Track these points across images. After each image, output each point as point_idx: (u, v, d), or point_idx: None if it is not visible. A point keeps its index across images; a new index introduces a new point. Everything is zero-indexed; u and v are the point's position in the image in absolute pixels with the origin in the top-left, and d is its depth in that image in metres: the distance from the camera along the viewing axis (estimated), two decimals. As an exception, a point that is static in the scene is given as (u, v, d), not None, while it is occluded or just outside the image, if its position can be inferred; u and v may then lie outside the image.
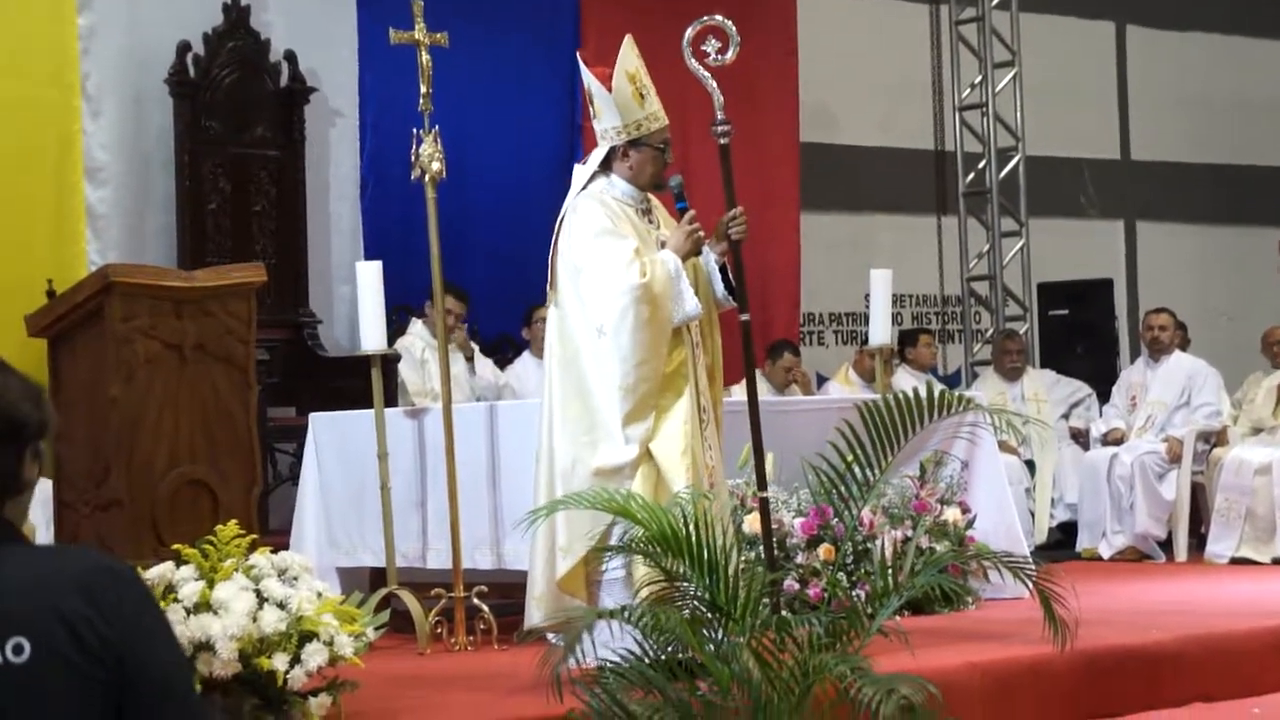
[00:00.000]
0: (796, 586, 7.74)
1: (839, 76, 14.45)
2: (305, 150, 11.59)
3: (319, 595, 5.67)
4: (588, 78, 6.65)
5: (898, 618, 5.53)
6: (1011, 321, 14.80)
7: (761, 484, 6.55)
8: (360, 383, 8.28)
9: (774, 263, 13.72)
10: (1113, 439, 11.89)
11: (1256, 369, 12.37)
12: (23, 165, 10.60)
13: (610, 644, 5.23)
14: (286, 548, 6.83)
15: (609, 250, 6.47)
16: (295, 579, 5.68)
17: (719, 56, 6.50)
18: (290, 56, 11.52)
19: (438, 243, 7.76)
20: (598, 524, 6.15)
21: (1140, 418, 11.87)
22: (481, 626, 7.52)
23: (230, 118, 11.31)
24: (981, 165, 15.04)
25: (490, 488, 7.95)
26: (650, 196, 6.77)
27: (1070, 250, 15.40)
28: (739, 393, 7.22)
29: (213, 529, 5.75)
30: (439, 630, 7.55)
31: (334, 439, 8.73)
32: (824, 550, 7.90)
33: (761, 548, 6.61)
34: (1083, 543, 11.74)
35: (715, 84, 6.53)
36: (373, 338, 7.89)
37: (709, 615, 5.19)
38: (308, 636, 5.53)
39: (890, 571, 5.72)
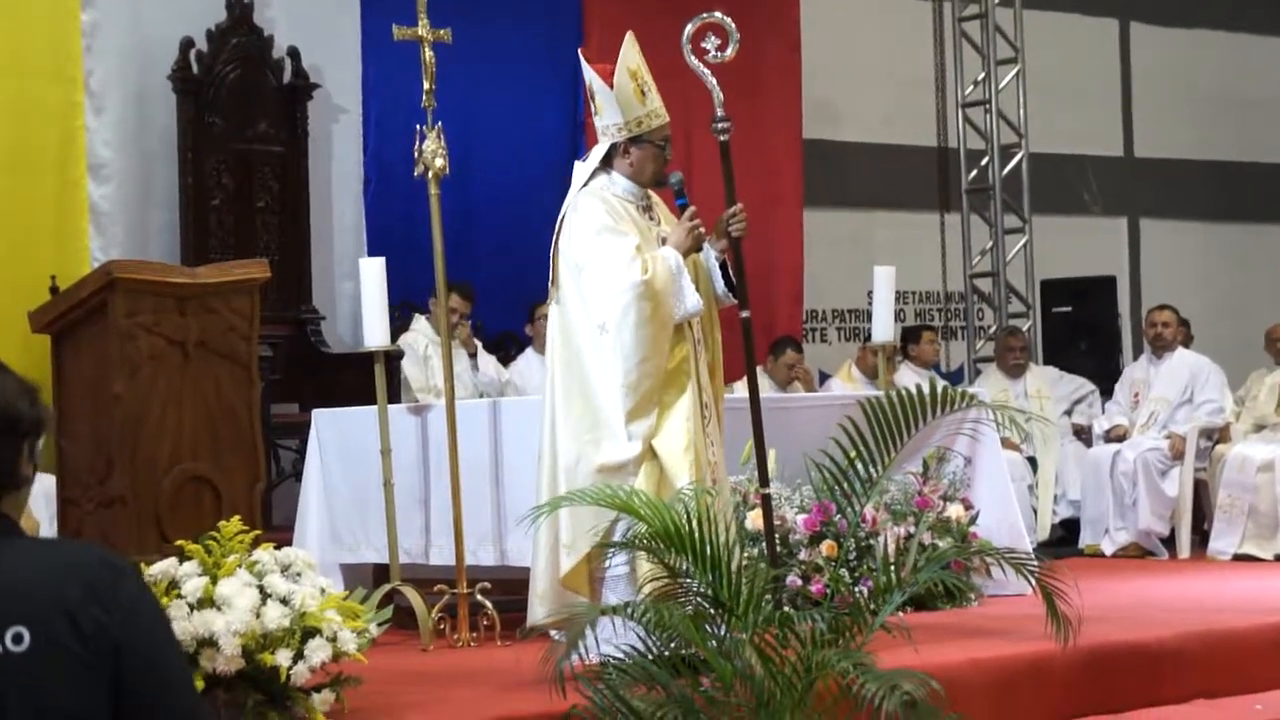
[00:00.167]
0: (799, 583, 7.74)
1: (842, 73, 14.46)
2: (308, 147, 11.60)
3: (322, 591, 5.67)
4: (589, 74, 6.65)
5: (900, 614, 5.53)
6: (1014, 318, 14.79)
7: (764, 480, 6.55)
8: (363, 379, 8.28)
9: (777, 259, 13.72)
10: (1115, 436, 11.89)
11: (1260, 366, 12.37)
12: (26, 162, 10.61)
13: (613, 640, 5.23)
14: (290, 544, 6.83)
15: (610, 248, 6.47)
16: (298, 575, 5.68)
17: (719, 54, 6.50)
18: (293, 53, 11.53)
19: (441, 239, 7.76)
20: (601, 521, 6.15)
21: (1143, 414, 11.87)
22: (484, 623, 7.52)
23: (233, 114, 11.31)
24: (985, 162, 15.03)
25: (493, 484, 7.95)
26: (651, 193, 6.77)
27: (1073, 247, 15.40)
28: (741, 389, 7.22)
29: (216, 525, 5.76)
30: (442, 626, 7.56)
31: (337, 435, 8.73)
32: (827, 546, 7.90)
33: (764, 544, 6.61)
34: (1085, 539, 11.74)
35: (715, 81, 6.54)
36: (376, 334, 7.89)
37: (712, 611, 5.20)
38: (311, 632, 5.53)
39: (893, 568, 5.73)
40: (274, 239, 11.36)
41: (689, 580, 5.24)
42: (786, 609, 5.50)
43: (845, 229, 14.59)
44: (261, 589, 5.55)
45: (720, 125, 6.53)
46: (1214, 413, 11.64)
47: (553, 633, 6.32)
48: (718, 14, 6.56)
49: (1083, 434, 12.63)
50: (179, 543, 5.72)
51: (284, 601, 5.54)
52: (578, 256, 6.53)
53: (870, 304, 9.43)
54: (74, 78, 10.85)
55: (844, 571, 7.84)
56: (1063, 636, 5.30)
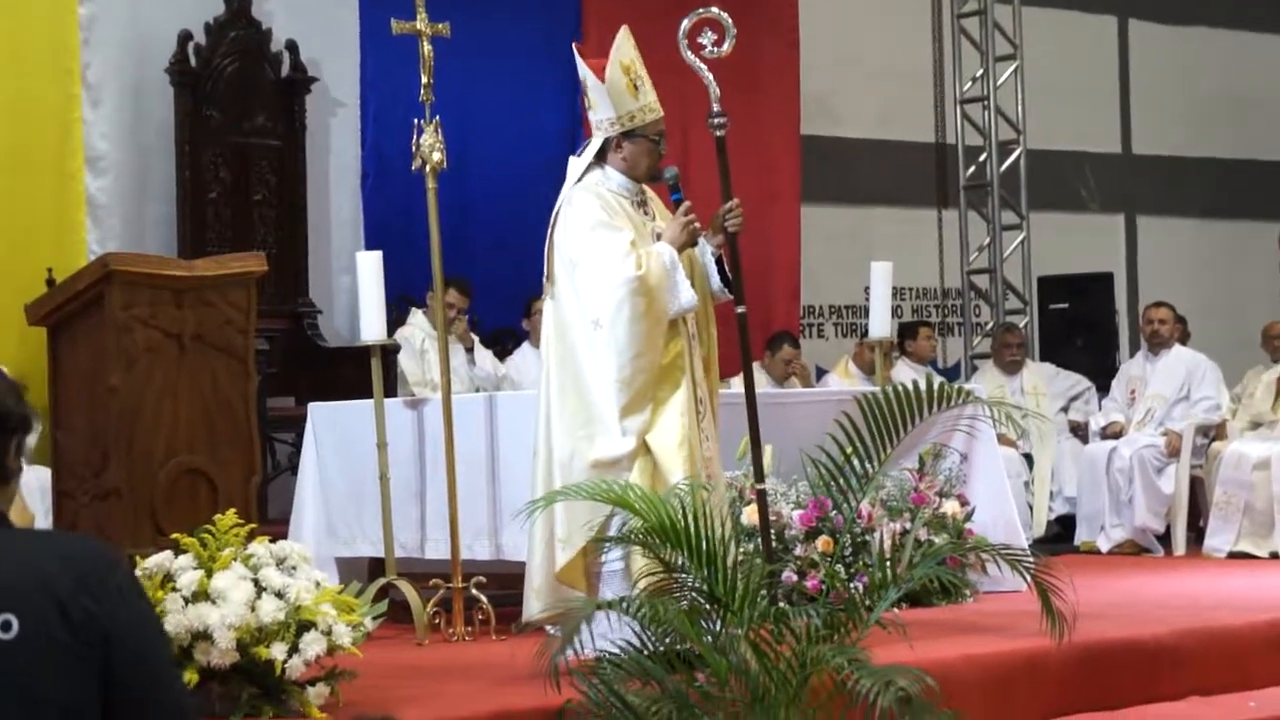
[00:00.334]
0: (794, 578, 7.74)
1: (840, 68, 14.45)
2: (306, 140, 11.59)
3: (317, 585, 5.67)
4: (582, 69, 6.65)
5: (896, 610, 5.53)
6: (1011, 315, 14.80)
7: (759, 476, 6.55)
8: (360, 373, 8.28)
9: (774, 255, 13.71)
10: (1112, 432, 11.89)
11: (1256, 363, 12.37)
12: (23, 154, 10.60)
13: (609, 635, 5.24)
14: (285, 537, 6.84)
15: (604, 243, 6.46)
16: (294, 568, 5.69)
17: (715, 49, 6.50)
18: (291, 46, 11.52)
19: (438, 233, 7.76)
20: (596, 515, 6.16)
21: (1139, 411, 11.88)
22: (479, 617, 7.52)
23: (231, 107, 11.30)
24: (982, 158, 15.04)
25: (489, 479, 7.95)
26: (646, 188, 6.76)
27: (1070, 244, 15.40)
28: (738, 385, 7.23)
29: (211, 518, 5.76)
30: (437, 620, 7.55)
31: (333, 429, 8.73)
32: (822, 542, 7.91)
33: (760, 539, 6.61)
34: (1081, 536, 11.74)
35: (712, 76, 6.53)
36: (372, 328, 7.89)
37: (707, 607, 5.20)
38: (306, 626, 5.54)
39: (888, 564, 5.73)
40: (271, 232, 11.36)
41: (684, 575, 5.24)
42: (782, 604, 5.50)
43: (843, 225, 14.58)
44: (257, 582, 5.56)
45: (716, 121, 6.52)
46: (1210, 410, 11.65)
47: (548, 627, 6.32)
48: (714, 9, 6.56)
49: (1079, 431, 12.64)
50: (174, 536, 5.72)
51: (279, 595, 5.54)
52: (572, 252, 6.52)
53: (867, 300, 9.42)
54: (71, 70, 10.84)
55: (839, 567, 7.84)
56: (1058, 633, 5.30)
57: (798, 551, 7.89)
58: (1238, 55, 16.73)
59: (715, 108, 6.53)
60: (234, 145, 11.32)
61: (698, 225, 6.59)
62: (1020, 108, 14.99)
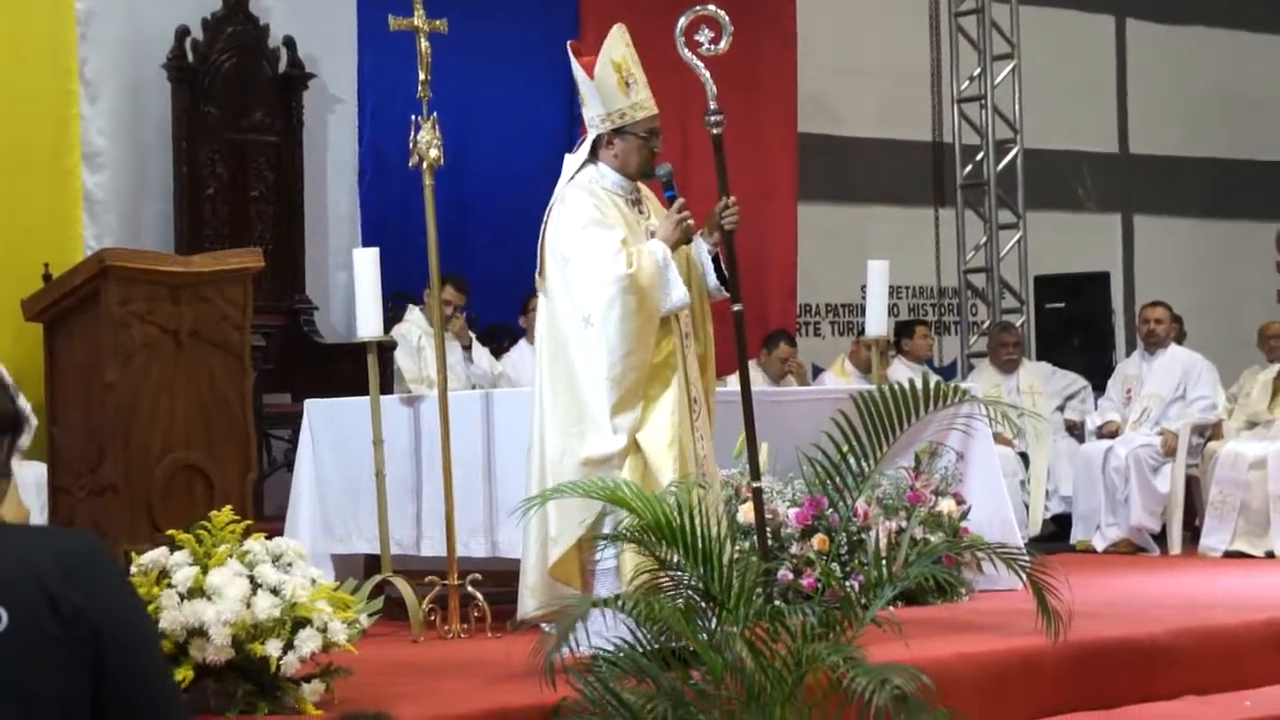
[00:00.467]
0: (790, 576, 7.74)
1: (838, 67, 14.44)
2: (303, 136, 11.58)
3: (313, 582, 5.67)
4: (574, 66, 6.66)
5: (891, 608, 5.54)
6: (1008, 314, 14.80)
7: (755, 474, 6.55)
8: (356, 369, 8.29)
9: (770, 253, 13.71)
10: (1108, 431, 11.90)
11: (1252, 363, 12.38)
12: (20, 150, 10.59)
13: (603, 633, 5.24)
14: (281, 534, 6.85)
15: (596, 241, 6.46)
16: (289, 565, 5.69)
17: (712, 46, 6.50)
18: (289, 42, 11.51)
19: (435, 230, 7.76)
20: (588, 513, 6.17)
21: (1135, 410, 11.89)
22: (475, 614, 7.52)
23: (228, 103, 11.29)
24: (979, 157, 15.04)
25: (485, 476, 7.95)
26: (641, 186, 6.76)
27: (1067, 243, 15.40)
28: (734, 383, 7.23)
29: (207, 514, 5.76)
30: (433, 618, 7.55)
31: (329, 425, 8.73)
32: (818, 540, 7.91)
33: (756, 538, 6.61)
34: (1077, 535, 11.75)
35: (709, 74, 6.53)
36: (369, 324, 7.89)
37: (703, 605, 5.20)
38: (301, 623, 5.54)
39: (884, 562, 5.72)
40: (268, 229, 11.35)
41: (680, 573, 5.24)
42: (777, 603, 5.50)
43: (839, 223, 14.58)
44: (252, 579, 5.56)
45: (713, 119, 6.52)
46: (1206, 409, 11.66)
47: (543, 625, 6.32)
48: (711, 6, 6.56)
49: (1075, 430, 12.65)
50: (170, 532, 5.72)
51: (275, 592, 5.54)
52: (564, 249, 6.53)
53: (864, 298, 9.43)
54: (68, 66, 10.83)
55: (835, 566, 7.84)
56: (1053, 632, 5.31)
57: (794, 550, 7.89)
58: (1235, 55, 16.73)
59: (712, 105, 6.53)
60: (231, 141, 11.31)
61: (691, 223, 6.58)
62: (1017, 107, 14.99)
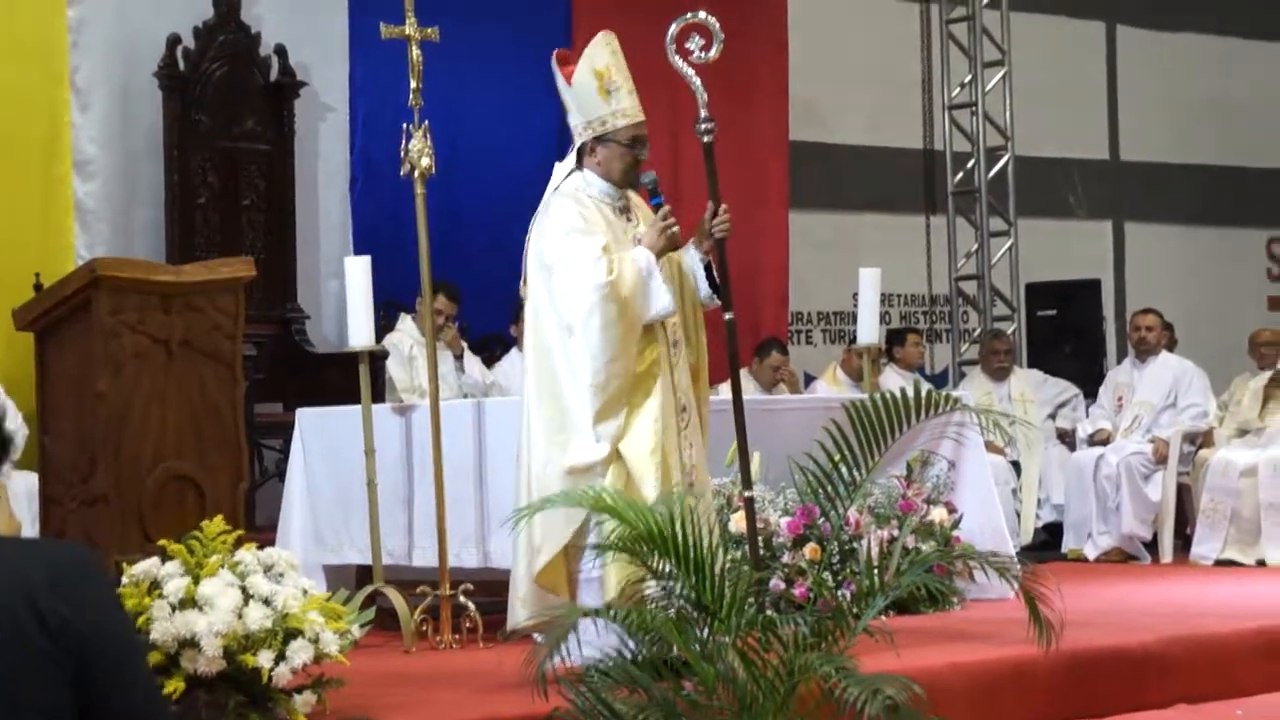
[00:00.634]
0: (782, 586, 7.74)
1: (829, 75, 14.46)
2: (295, 145, 11.58)
3: (305, 592, 5.67)
4: (556, 74, 6.67)
5: (883, 617, 5.54)
6: (999, 321, 14.81)
7: (747, 483, 6.54)
8: (348, 379, 8.27)
9: (762, 261, 13.72)
10: (1099, 439, 11.90)
11: (1243, 370, 12.38)
12: (11, 158, 10.58)
13: (594, 643, 5.23)
14: (273, 544, 6.82)
15: (576, 249, 6.47)
16: (281, 575, 5.68)
17: (703, 54, 6.50)
18: (280, 50, 11.51)
19: (426, 239, 7.76)
20: (573, 522, 6.17)
21: (1127, 418, 11.89)
22: (467, 624, 7.51)
23: (220, 112, 11.29)
24: (970, 165, 15.05)
25: (477, 485, 7.95)
26: (631, 194, 6.75)
27: (1058, 250, 15.42)
28: (725, 391, 7.23)
29: (199, 524, 5.75)
30: (424, 628, 7.55)
31: (321, 435, 8.72)
32: (810, 550, 7.91)
33: (747, 547, 6.61)
34: (1068, 543, 11.75)
35: (700, 82, 6.53)
36: (361, 334, 7.89)
37: (694, 614, 5.19)
38: (293, 633, 5.53)
39: (876, 571, 5.73)
40: (259, 237, 11.35)
41: (671, 583, 5.24)
42: (769, 612, 5.51)
43: (831, 231, 14.59)
44: (244, 589, 5.55)
45: (704, 126, 6.52)
46: (1197, 417, 11.66)
47: (535, 635, 6.32)
48: (702, 14, 6.56)
49: (1066, 438, 12.65)
50: (162, 542, 5.71)
51: (266, 602, 5.53)
52: (547, 257, 6.54)
53: (855, 306, 9.44)
54: (60, 74, 10.83)
55: (827, 575, 7.85)
56: (1045, 641, 5.31)
57: (785, 559, 7.89)
58: (1225, 62, 16.76)
59: (703, 113, 6.53)
60: (223, 150, 11.31)
61: (676, 230, 6.57)
62: (1008, 114, 15.00)
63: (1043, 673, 6.58)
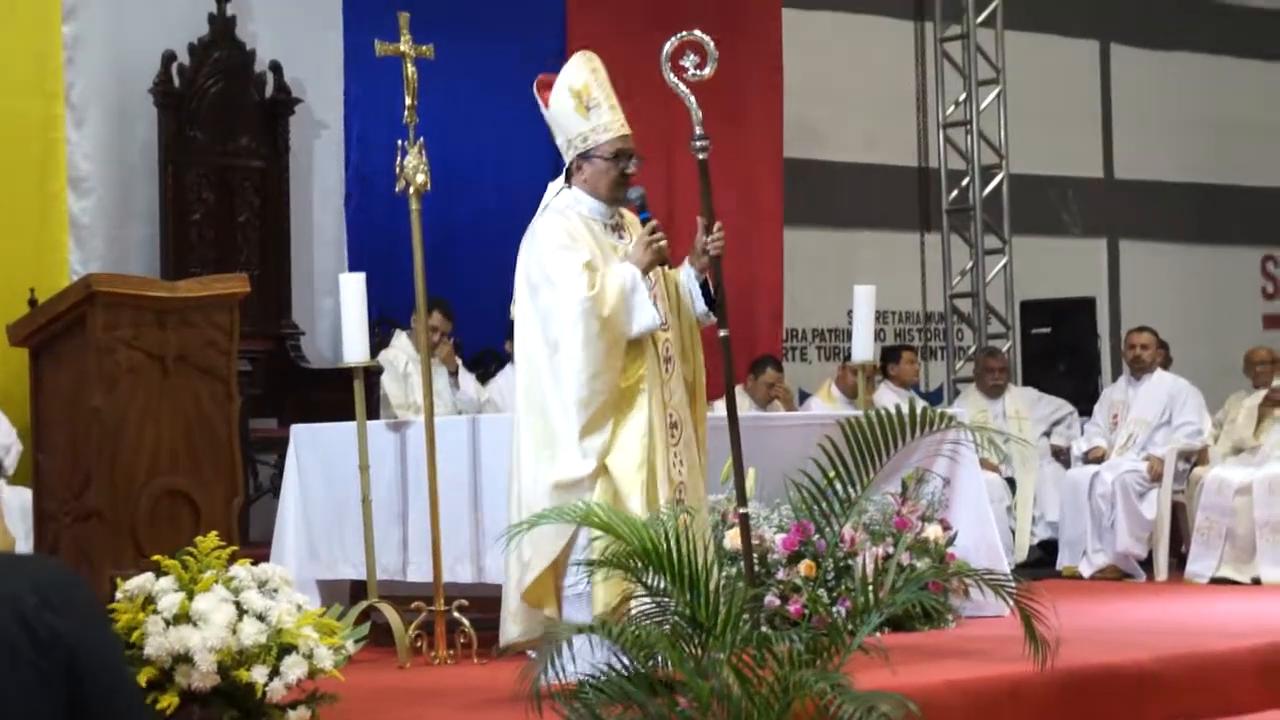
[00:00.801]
0: (777, 602, 7.74)
1: (823, 92, 14.48)
2: (290, 161, 11.59)
3: (299, 608, 5.66)
4: (538, 101, 6.71)
5: (878, 634, 5.53)
6: (994, 339, 14.82)
7: (742, 500, 6.54)
8: (342, 395, 8.28)
9: (757, 278, 13.73)
10: (1094, 457, 11.90)
11: (1238, 389, 12.39)
12: (6, 174, 10.58)
13: (589, 659, 5.23)
14: (267, 559, 6.82)
15: (559, 265, 6.49)
16: (275, 591, 5.67)
17: (697, 72, 6.50)
18: (275, 67, 11.52)
19: (421, 255, 7.76)
20: (561, 537, 6.18)
21: (1121, 436, 11.89)
22: (461, 640, 7.51)
23: (215, 128, 11.30)
24: (965, 182, 15.07)
25: (471, 501, 7.95)
26: (624, 212, 6.75)
27: (1053, 268, 15.44)
28: (720, 408, 7.23)
29: (193, 540, 5.75)
30: (419, 644, 7.54)
31: (315, 451, 8.72)
32: (805, 566, 7.90)
33: (742, 563, 6.60)
34: (1063, 561, 11.75)
35: (694, 100, 6.53)
36: (355, 350, 7.89)
37: (689, 631, 5.19)
38: (287, 649, 5.52)
39: (871, 588, 5.72)
40: (254, 253, 11.35)
41: (666, 599, 5.23)
42: (764, 629, 5.50)
43: (826, 248, 14.60)
44: (238, 605, 5.54)
45: (699, 144, 6.52)
46: (1192, 435, 11.67)
47: (529, 651, 6.31)
48: (697, 32, 6.56)
49: (1061, 455, 12.65)
50: (156, 557, 5.71)
51: (260, 618, 5.53)
52: (533, 275, 6.56)
53: (850, 323, 9.44)
54: (55, 91, 10.83)
55: (822, 591, 7.84)
56: (1040, 659, 5.30)
57: (780, 575, 7.88)
58: (1219, 80, 16.79)
59: (698, 130, 6.53)
60: (217, 166, 11.31)
61: (663, 244, 6.57)
62: (1003, 132, 15.02)
63: (1038, 691, 6.57)
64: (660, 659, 5.07)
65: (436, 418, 7.83)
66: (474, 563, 7.90)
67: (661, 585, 5.21)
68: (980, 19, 15.00)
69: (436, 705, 6.45)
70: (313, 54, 11.81)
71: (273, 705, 5.53)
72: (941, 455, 8.30)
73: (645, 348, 6.54)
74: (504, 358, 11.82)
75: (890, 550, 8.15)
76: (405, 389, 10.89)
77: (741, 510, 6.54)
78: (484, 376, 11.76)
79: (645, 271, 6.52)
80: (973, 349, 14.80)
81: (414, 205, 7.68)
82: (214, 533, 5.80)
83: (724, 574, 5.75)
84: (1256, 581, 10.83)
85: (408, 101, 7.70)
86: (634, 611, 5.37)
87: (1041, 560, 12.05)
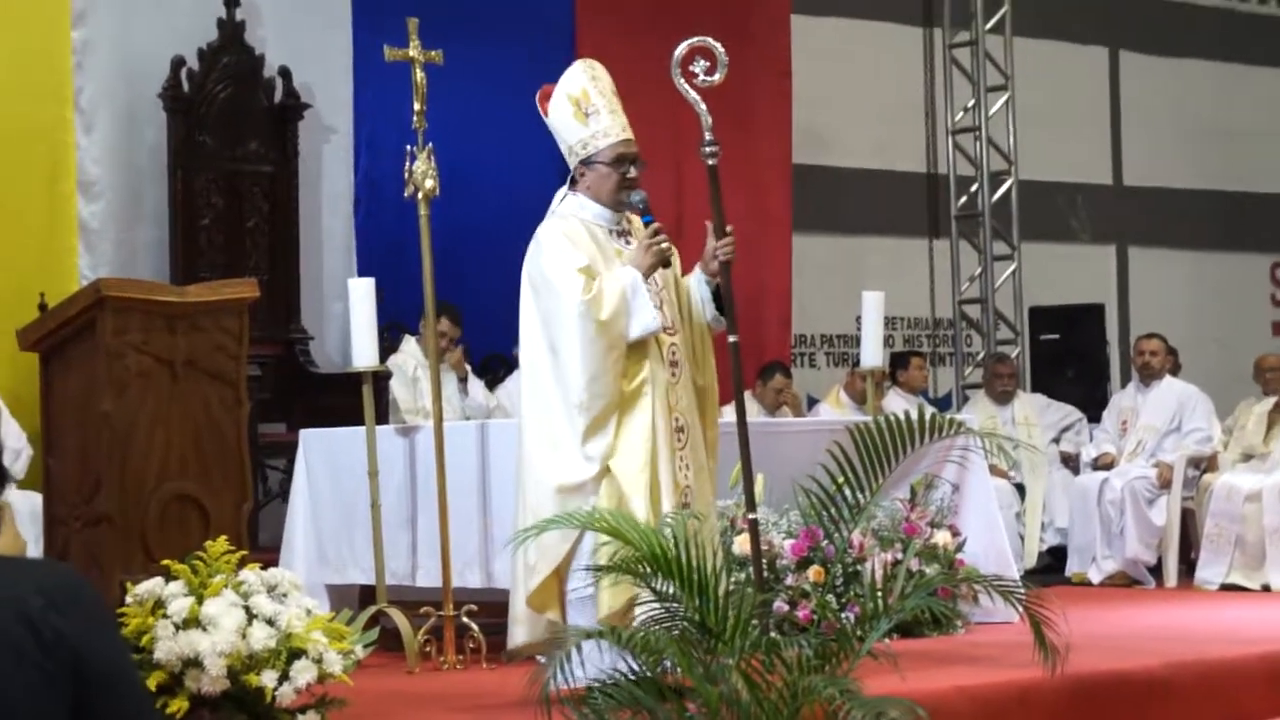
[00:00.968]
0: (786, 608, 7.73)
1: (832, 99, 14.47)
2: (299, 166, 11.60)
3: (308, 612, 5.66)
4: (540, 111, 6.74)
5: (887, 640, 5.53)
6: (1003, 345, 14.81)
7: (751, 505, 6.54)
8: (351, 400, 8.27)
9: (766, 284, 13.72)
10: (1103, 463, 11.90)
11: (1248, 395, 12.38)
12: (15, 179, 10.59)
13: (598, 664, 5.22)
14: (276, 564, 6.83)
15: (558, 269, 6.51)
16: (284, 596, 5.67)
17: (707, 77, 6.50)
18: (284, 72, 11.53)
19: (430, 261, 7.77)
20: (566, 541, 6.18)
21: (1131, 442, 11.88)
22: (470, 645, 7.51)
23: (224, 133, 11.31)
24: (974, 188, 15.06)
25: (480, 506, 7.94)
26: (632, 218, 6.76)
27: (1062, 274, 15.43)
28: (729, 414, 7.22)
29: (202, 545, 5.75)
30: (428, 649, 7.54)
31: (324, 456, 8.72)
32: (814, 572, 7.90)
33: (751, 569, 6.60)
34: (1072, 567, 11.74)
35: (704, 105, 6.53)
36: (364, 355, 7.89)
37: (698, 636, 5.18)
38: (296, 653, 5.52)
39: (880, 594, 5.71)
40: (263, 258, 11.36)
41: (674, 604, 5.23)
42: (773, 634, 5.49)
43: (834, 254, 14.60)
44: (247, 609, 5.54)
45: (709, 150, 6.52)
46: (1202, 442, 11.65)
47: (538, 656, 6.31)
48: (708, 38, 6.56)
49: (1070, 462, 12.65)
50: (165, 562, 5.71)
51: (270, 622, 5.53)
52: (534, 279, 6.60)
53: (859, 329, 9.45)
54: (64, 95, 10.84)
55: (831, 597, 7.84)
56: (1050, 665, 5.29)
57: (789, 581, 7.88)
58: (1228, 87, 16.78)
59: (708, 136, 6.53)
60: (227, 171, 11.32)
61: (664, 246, 6.58)
62: (1012, 138, 15.02)
63: (1047, 697, 6.57)
64: (669, 664, 5.07)
65: (445, 423, 7.83)
66: (483, 568, 7.90)
67: (670, 590, 5.21)
68: (989, 25, 15.01)
69: (445, 710, 6.45)
70: (322, 59, 11.82)
71: (282, 710, 5.53)
72: (950, 461, 8.30)
73: (648, 351, 6.55)
74: (512, 363, 11.81)
75: (899, 556, 8.14)
76: (414, 394, 10.89)
77: (750, 516, 6.54)
78: (492, 382, 11.76)
79: (647, 274, 6.52)
80: (981, 355, 14.79)
81: (423, 211, 7.69)
82: (223, 537, 5.80)
83: (733, 579, 5.74)
84: (1266, 588, 10.82)
85: (416, 107, 7.71)
86: (641, 616, 5.36)
87: (1050, 566, 12.04)
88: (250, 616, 5.53)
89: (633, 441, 6.42)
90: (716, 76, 6.49)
